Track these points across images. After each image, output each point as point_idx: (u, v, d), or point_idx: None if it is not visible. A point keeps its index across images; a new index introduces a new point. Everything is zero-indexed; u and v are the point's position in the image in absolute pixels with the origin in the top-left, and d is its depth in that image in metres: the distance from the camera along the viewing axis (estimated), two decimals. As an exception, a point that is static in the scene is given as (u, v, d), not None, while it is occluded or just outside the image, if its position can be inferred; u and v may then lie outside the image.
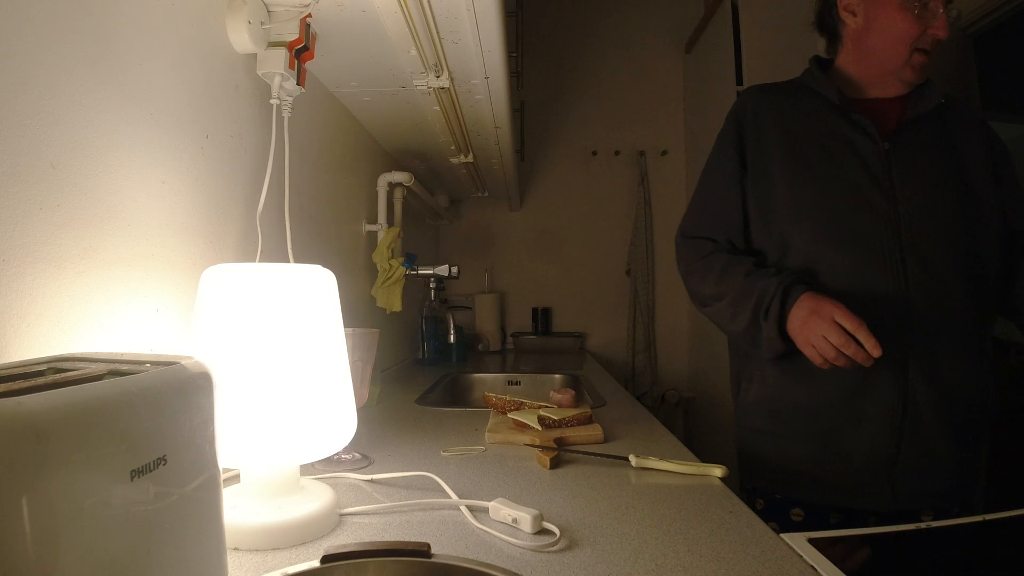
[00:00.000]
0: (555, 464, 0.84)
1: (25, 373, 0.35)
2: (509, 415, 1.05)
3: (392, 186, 1.66)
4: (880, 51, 0.97)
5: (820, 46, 1.58)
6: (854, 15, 0.99)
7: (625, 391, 1.52)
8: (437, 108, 1.35)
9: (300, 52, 0.92)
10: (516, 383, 1.87)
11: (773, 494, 1.01)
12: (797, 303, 0.89)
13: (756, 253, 1.03)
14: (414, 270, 1.71)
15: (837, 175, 0.95)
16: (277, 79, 0.90)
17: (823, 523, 0.96)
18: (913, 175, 0.94)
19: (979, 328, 0.95)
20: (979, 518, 0.70)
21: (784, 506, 0.99)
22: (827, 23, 1.06)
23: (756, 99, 1.05)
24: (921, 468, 0.92)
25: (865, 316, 0.84)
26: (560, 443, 0.92)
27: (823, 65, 1.07)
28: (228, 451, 0.57)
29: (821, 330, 0.85)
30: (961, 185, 0.96)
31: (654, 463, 0.82)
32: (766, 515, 0.94)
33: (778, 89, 1.06)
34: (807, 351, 0.88)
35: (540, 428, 0.97)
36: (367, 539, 0.60)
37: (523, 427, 0.99)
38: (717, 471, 0.79)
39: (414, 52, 1.06)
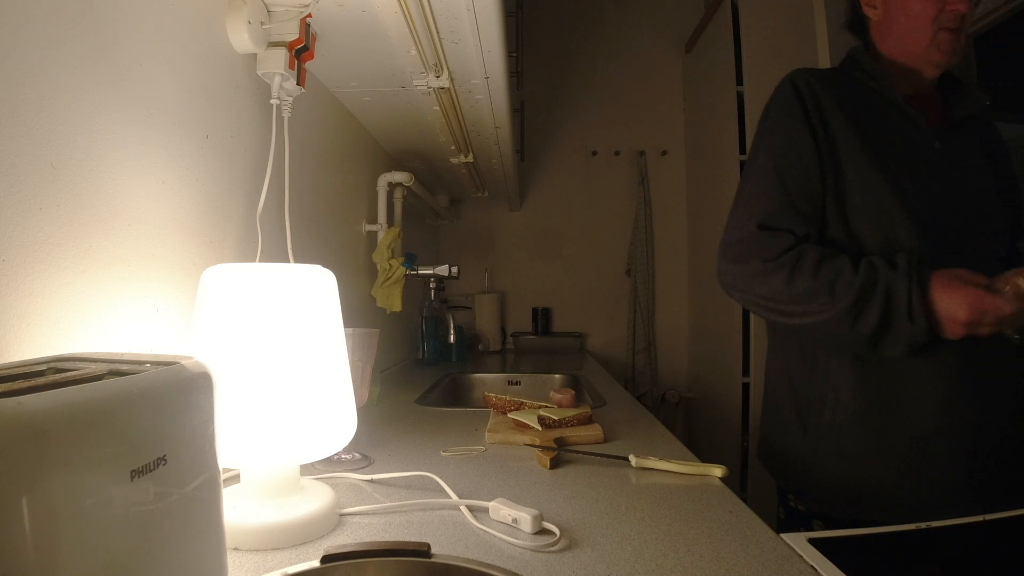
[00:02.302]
0: (555, 464, 0.84)
1: (25, 373, 0.35)
2: (509, 415, 1.05)
3: (392, 186, 1.66)
4: (905, 37, 0.93)
5: (820, 45, 1.58)
6: (875, 8, 0.97)
7: (625, 391, 1.52)
8: (437, 108, 1.35)
9: (300, 52, 0.92)
10: (516, 383, 1.87)
11: (838, 516, 0.92)
12: (935, 289, 0.81)
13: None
14: (414, 270, 1.71)
15: (907, 171, 0.89)
16: (277, 79, 0.90)
17: None
18: (963, 176, 0.91)
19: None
20: (979, 518, 0.70)
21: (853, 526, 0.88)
22: (855, 23, 1.03)
23: (811, 79, 0.96)
24: (996, 474, 0.88)
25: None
26: (560, 443, 0.92)
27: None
28: (228, 451, 0.57)
29: (985, 305, 0.78)
30: (998, 192, 0.94)
31: (654, 463, 0.82)
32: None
33: (829, 74, 0.98)
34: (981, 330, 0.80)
35: (540, 428, 0.97)
36: (367, 539, 0.60)
37: (523, 427, 0.99)
38: (717, 471, 0.79)
39: (414, 52, 1.06)
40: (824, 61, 1.57)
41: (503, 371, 1.93)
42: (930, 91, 0.97)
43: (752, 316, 2.02)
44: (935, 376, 0.87)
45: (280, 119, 0.94)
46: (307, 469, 0.81)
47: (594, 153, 2.74)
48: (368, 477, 0.78)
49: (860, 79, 0.96)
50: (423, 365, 2.02)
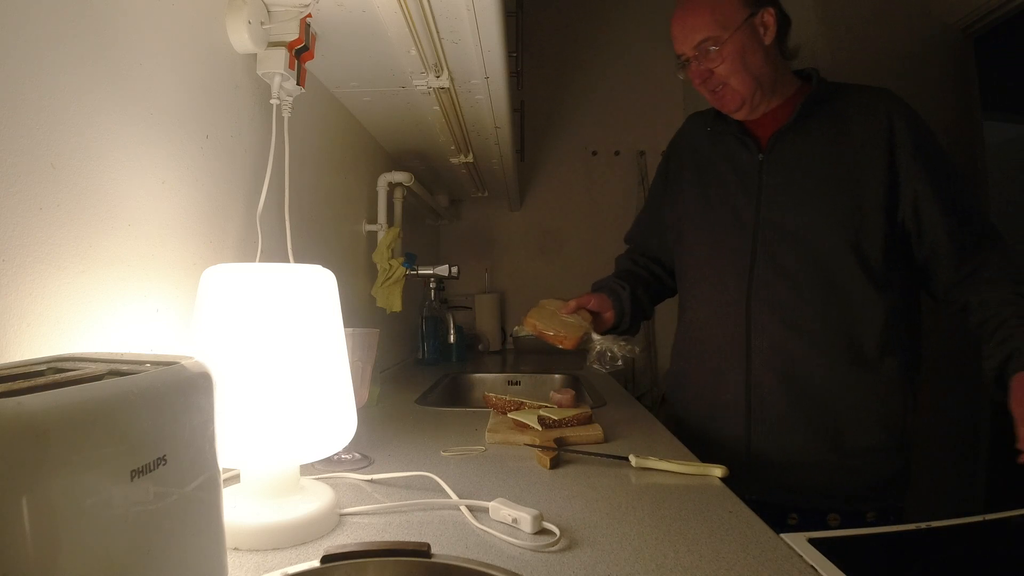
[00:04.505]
0: (555, 464, 0.84)
1: (25, 373, 0.35)
2: (509, 415, 1.05)
3: (392, 186, 1.66)
4: None
5: (817, 46, 1.58)
6: None
7: (625, 391, 1.52)
8: (437, 108, 1.35)
9: (300, 52, 0.92)
10: (516, 383, 1.87)
11: None
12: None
13: (670, 264, 1.23)
14: (414, 270, 1.71)
15: (721, 192, 1.05)
16: (277, 79, 0.90)
17: None
18: (780, 181, 0.99)
19: (844, 327, 0.94)
20: (979, 518, 0.70)
21: None
22: None
23: (684, 125, 1.18)
24: (774, 461, 0.97)
25: (715, 317, 1.03)
26: (560, 443, 0.92)
27: None
28: (228, 451, 0.57)
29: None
30: (839, 183, 0.95)
31: (654, 463, 0.82)
32: None
33: (702, 114, 1.15)
34: None
35: (540, 428, 0.97)
36: (367, 539, 0.60)
37: (523, 427, 0.99)
38: (717, 471, 0.79)
39: (414, 52, 1.06)
40: (823, 61, 1.56)
41: (503, 371, 1.93)
42: (772, 110, 1.04)
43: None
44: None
45: (280, 119, 0.94)
46: (307, 469, 0.80)
47: (594, 153, 2.74)
48: (368, 477, 0.78)
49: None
50: (423, 365, 2.02)
